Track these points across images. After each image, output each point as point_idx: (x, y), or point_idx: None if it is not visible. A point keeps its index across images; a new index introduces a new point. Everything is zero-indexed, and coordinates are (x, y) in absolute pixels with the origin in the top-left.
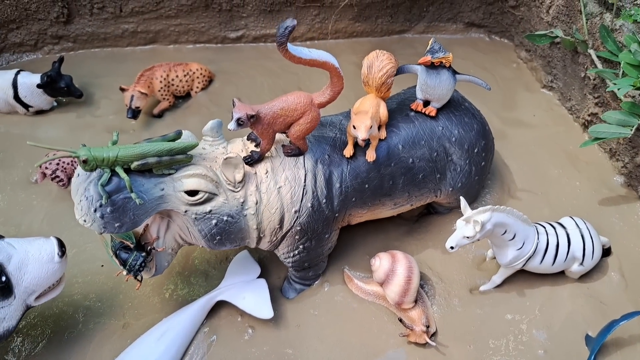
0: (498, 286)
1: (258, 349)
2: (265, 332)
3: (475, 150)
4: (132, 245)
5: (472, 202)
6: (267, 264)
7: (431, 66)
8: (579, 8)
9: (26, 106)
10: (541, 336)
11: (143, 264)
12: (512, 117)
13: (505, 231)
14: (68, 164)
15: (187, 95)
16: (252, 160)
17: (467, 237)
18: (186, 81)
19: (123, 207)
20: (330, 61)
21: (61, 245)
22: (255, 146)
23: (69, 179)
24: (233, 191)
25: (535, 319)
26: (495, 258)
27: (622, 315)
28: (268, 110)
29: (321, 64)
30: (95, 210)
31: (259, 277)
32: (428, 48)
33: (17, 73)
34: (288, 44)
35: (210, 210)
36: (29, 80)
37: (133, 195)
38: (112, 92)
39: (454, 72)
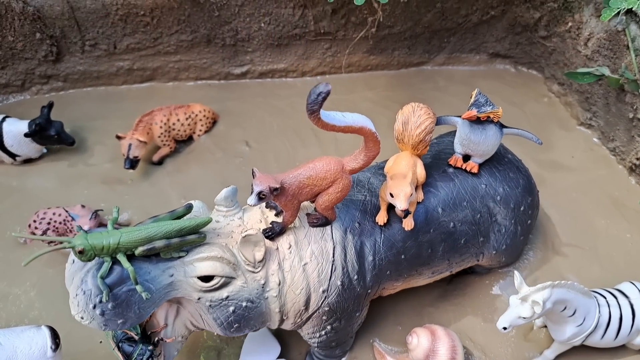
0: None
1: None
2: None
3: (522, 209)
4: (136, 337)
5: (514, 262)
6: (285, 337)
7: (476, 121)
8: (625, 42)
9: (13, 155)
10: None
11: (150, 359)
12: (548, 159)
13: (565, 307)
14: (60, 223)
15: (189, 139)
16: (274, 233)
17: (524, 318)
18: (188, 124)
19: (127, 301)
20: (367, 126)
21: (54, 336)
22: (276, 215)
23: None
24: (252, 272)
25: None
26: (545, 327)
27: None
28: (293, 180)
29: (357, 129)
30: (94, 307)
31: (279, 356)
32: (472, 101)
33: (2, 120)
34: (321, 111)
35: (227, 297)
36: (16, 128)
37: (138, 287)
38: (107, 136)
39: (502, 126)
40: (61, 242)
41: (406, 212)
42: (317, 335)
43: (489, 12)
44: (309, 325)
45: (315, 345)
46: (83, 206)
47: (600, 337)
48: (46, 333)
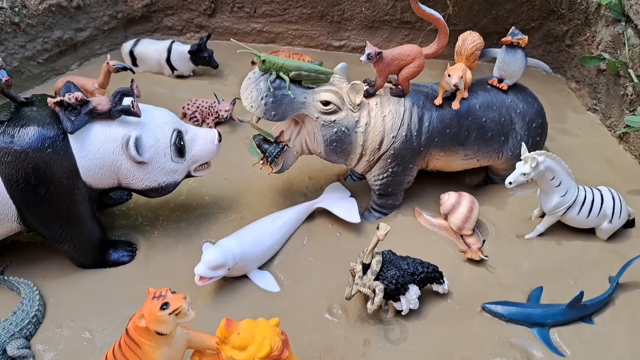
0: (540, 235)
1: (345, 246)
2: (350, 237)
3: (534, 125)
4: (272, 140)
5: None
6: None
7: (510, 46)
8: (622, 41)
9: (172, 69)
10: (574, 272)
11: (279, 153)
12: (560, 127)
13: (554, 177)
14: (206, 108)
15: None
16: (367, 94)
17: (524, 175)
18: None
19: (280, 101)
20: (442, 19)
21: (220, 135)
22: (369, 86)
23: (203, 121)
24: (352, 110)
25: (570, 260)
26: (540, 217)
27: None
28: (389, 53)
29: (436, 19)
30: (261, 99)
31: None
32: (509, 32)
33: (172, 42)
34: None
35: (334, 120)
36: (180, 49)
37: (289, 92)
38: (238, 71)
39: (526, 55)
40: (256, 54)
41: (456, 88)
42: (381, 177)
43: (530, 23)
44: (377, 167)
45: (377, 187)
46: (223, 99)
47: (577, 213)
48: (216, 131)
